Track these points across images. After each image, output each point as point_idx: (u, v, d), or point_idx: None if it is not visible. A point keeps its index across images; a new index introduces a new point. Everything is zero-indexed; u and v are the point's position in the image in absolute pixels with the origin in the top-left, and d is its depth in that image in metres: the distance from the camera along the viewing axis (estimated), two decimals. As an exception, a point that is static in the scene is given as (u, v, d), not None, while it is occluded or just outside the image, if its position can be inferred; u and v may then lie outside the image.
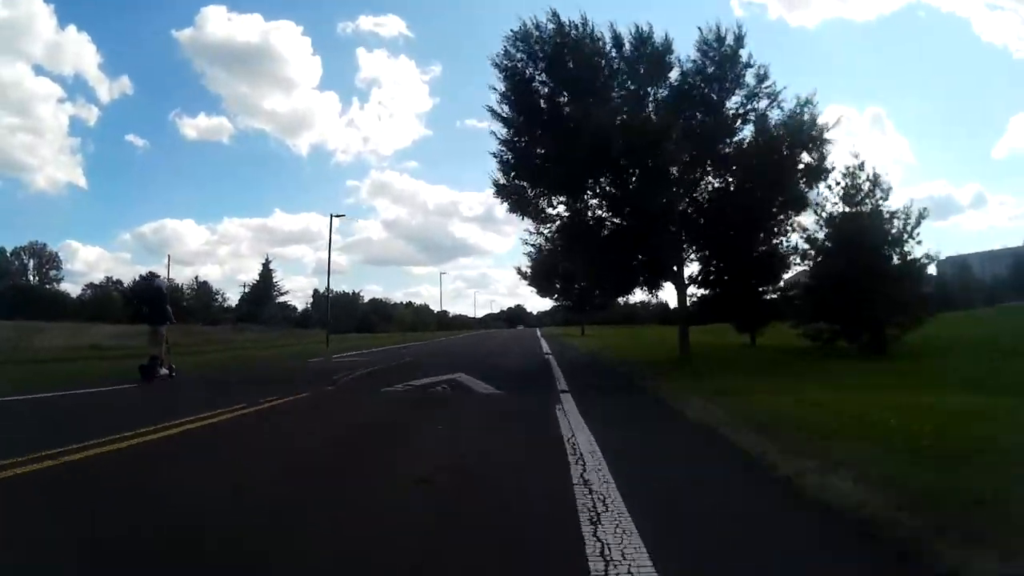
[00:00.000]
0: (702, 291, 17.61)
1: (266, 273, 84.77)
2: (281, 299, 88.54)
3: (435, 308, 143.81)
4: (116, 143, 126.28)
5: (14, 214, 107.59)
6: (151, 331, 11.77)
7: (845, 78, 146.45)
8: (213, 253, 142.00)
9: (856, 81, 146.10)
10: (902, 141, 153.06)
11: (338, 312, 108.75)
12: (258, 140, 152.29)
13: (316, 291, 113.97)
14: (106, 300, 77.11)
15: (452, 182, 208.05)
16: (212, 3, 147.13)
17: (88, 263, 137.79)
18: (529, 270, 40.18)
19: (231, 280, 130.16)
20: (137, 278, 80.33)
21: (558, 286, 41.54)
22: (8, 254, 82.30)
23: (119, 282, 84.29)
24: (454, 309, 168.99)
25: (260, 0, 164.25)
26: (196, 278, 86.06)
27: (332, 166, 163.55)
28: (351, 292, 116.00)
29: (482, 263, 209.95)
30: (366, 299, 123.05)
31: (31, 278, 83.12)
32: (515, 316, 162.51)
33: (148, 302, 12.08)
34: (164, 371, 11.36)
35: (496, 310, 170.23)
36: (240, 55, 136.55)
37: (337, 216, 28.75)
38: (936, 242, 74.94)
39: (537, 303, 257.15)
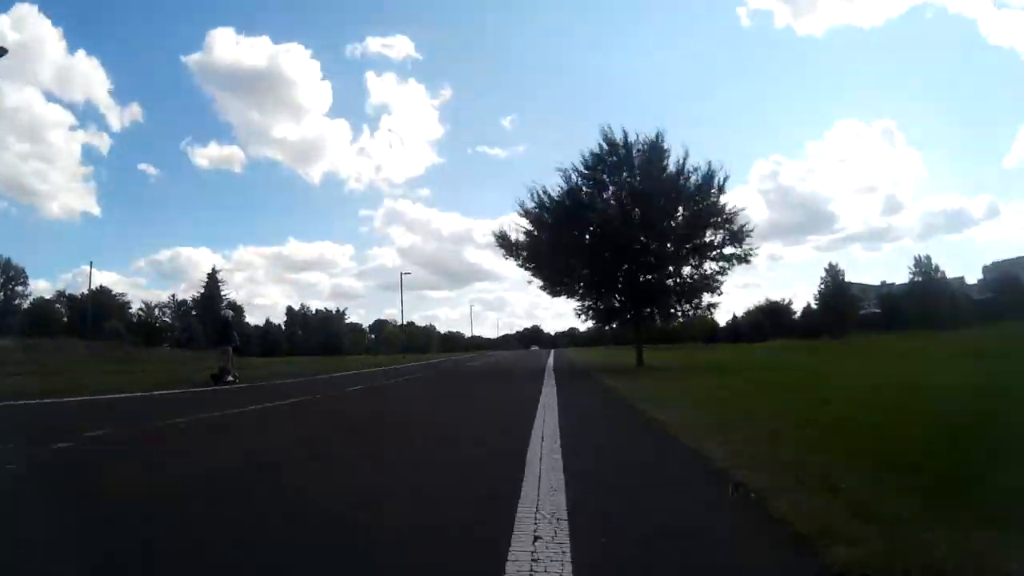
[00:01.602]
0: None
1: (212, 284, 67.65)
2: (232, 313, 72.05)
3: (447, 330, 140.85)
4: (129, 171, 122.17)
5: (29, 240, 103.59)
6: (221, 349, 14.96)
7: (854, 90, 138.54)
8: (228, 280, 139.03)
9: (865, 93, 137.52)
10: (913, 155, 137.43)
11: (314, 330, 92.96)
12: (270, 169, 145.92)
13: (290, 307, 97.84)
14: (47, 315, 66.77)
15: (464, 209, 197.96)
16: (220, 25, 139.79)
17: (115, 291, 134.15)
18: (524, 237, 20.10)
19: (247, 304, 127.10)
20: (83, 293, 66.96)
21: (582, 284, 20.74)
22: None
23: (72, 297, 73.17)
24: (471, 331, 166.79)
25: (268, 22, 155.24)
26: (173, 296, 77.14)
27: (345, 193, 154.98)
28: (332, 310, 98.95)
29: (498, 287, 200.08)
30: (355, 319, 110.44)
31: (-4, 293, 72.74)
32: (530, 337, 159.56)
33: (217, 328, 16.98)
34: (230, 378, 14.01)
35: (513, 331, 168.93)
36: (249, 80, 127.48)
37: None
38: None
39: (554, 322, 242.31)
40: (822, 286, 68.54)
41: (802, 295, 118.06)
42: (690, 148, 19.69)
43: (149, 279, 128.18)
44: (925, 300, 58.79)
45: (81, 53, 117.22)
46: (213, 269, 73.00)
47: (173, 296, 76.58)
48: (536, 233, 19.82)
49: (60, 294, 73.48)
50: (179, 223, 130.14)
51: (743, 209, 19.77)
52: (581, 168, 19.62)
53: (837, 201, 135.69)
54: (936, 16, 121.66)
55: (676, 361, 22.91)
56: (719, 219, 19.18)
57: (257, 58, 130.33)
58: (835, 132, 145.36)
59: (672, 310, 20.54)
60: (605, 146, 19.47)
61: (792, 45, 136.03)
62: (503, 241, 20.24)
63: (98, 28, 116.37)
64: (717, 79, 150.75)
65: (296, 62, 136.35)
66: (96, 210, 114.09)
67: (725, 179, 19.30)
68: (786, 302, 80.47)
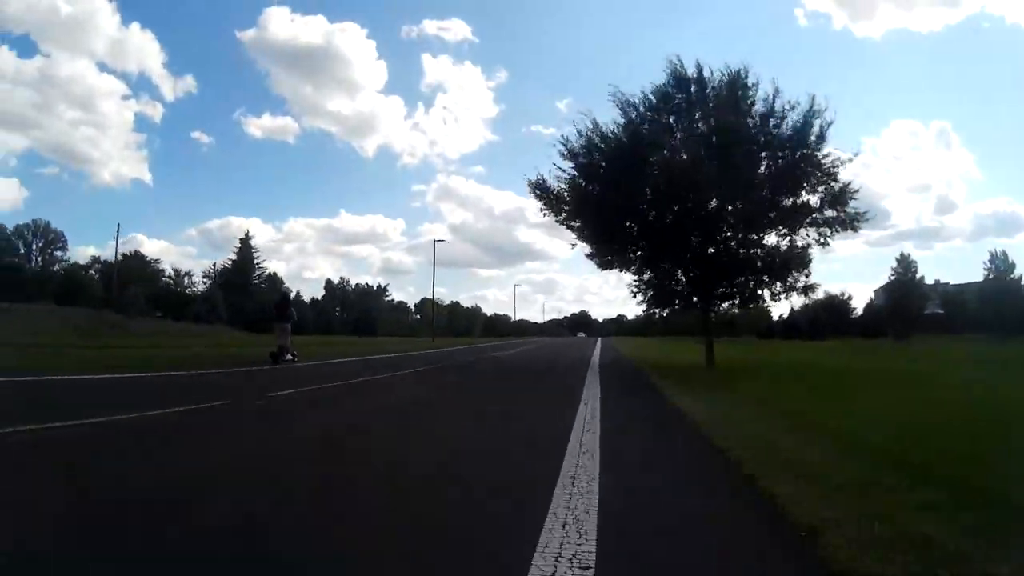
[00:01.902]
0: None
1: (245, 251, 65.59)
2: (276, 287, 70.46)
3: (493, 311, 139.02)
4: (181, 140, 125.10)
5: (80, 206, 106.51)
6: (280, 327, 14.33)
7: (911, 91, 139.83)
8: (279, 250, 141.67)
9: (922, 94, 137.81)
10: (967, 156, 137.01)
11: (352, 307, 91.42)
12: (324, 140, 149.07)
13: (329, 281, 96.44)
14: (75, 282, 65.44)
15: (518, 188, 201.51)
16: (275, 4, 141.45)
17: (153, 257, 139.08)
18: (567, 186, 16.19)
19: (296, 277, 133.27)
20: (119, 257, 65.96)
21: (637, 253, 17.08)
22: (9, 232, 69.69)
23: (108, 263, 70.61)
24: (519, 314, 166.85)
25: (323, 2, 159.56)
26: (214, 265, 74.01)
27: (398, 169, 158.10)
28: (375, 286, 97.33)
29: (548, 268, 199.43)
30: (403, 297, 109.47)
31: (35, 259, 71.41)
32: (577, 323, 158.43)
33: (276, 304, 15.25)
34: (289, 356, 13.94)
35: (560, 316, 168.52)
36: (304, 56, 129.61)
37: None
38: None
39: (603, 308, 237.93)
40: (892, 276, 62.37)
41: (856, 291, 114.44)
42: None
43: (199, 249, 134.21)
44: (998, 302, 53.54)
45: (135, 26, 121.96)
46: (246, 234, 68.63)
47: (214, 265, 72.18)
48: (583, 182, 15.96)
49: (95, 260, 71.76)
50: (230, 192, 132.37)
51: (849, 160, 15.33)
52: (641, 107, 15.73)
53: (891, 198, 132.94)
54: (993, 26, 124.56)
55: (754, 361, 18.82)
56: (818, 174, 15.02)
57: (312, 35, 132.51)
58: (892, 130, 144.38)
59: (759, 291, 16.27)
60: (673, 81, 15.52)
61: (850, 46, 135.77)
62: (541, 191, 16.33)
63: (152, 3, 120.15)
64: (772, 71, 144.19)
65: (352, 41, 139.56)
66: (147, 177, 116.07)
67: (829, 124, 14.96)
68: (845, 296, 74.95)
